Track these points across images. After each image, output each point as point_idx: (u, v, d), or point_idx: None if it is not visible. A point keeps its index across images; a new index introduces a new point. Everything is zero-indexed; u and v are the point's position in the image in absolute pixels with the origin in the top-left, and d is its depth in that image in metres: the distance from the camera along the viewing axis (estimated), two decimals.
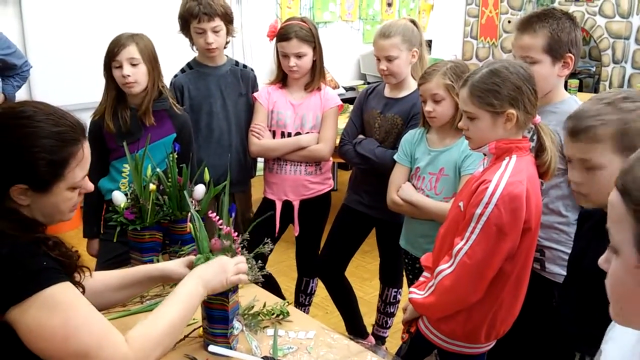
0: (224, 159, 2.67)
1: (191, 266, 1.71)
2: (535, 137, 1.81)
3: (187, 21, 2.66)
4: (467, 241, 1.68)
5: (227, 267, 1.57)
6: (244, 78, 2.83)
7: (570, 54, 1.97)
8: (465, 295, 1.71)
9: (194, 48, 2.76)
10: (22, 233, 1.29)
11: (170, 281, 1.81)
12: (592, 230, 1.56)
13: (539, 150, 1.76)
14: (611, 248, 0.86)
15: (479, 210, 1.66)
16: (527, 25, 1.99)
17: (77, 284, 1.41)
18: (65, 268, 1.33)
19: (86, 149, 1.41)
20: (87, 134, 1.43)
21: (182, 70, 2.81)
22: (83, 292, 1.43)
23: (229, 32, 2.74)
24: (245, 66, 2.90)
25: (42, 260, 1.27)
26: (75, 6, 4.46)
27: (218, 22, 2.64)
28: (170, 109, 2.45)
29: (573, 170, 1.49)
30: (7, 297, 1.23)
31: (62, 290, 1.27)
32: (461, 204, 1.76)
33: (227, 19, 2.70)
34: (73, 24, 4.42)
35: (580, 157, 1.44)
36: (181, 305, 1.44)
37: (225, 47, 2.78)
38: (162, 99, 2.44)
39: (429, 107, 2.19)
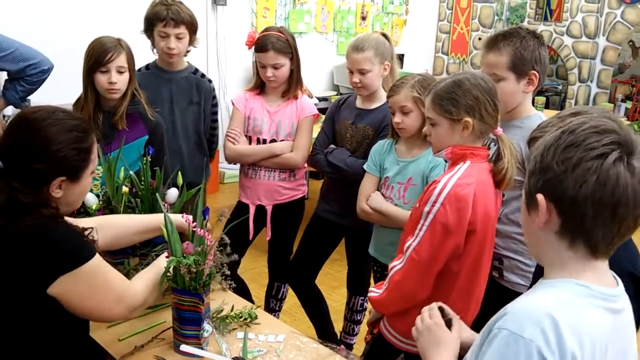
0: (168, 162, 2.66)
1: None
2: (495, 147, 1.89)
3: (153, 23, 2.71)
4: (416, 238, 1.76)
5: None
6: (198, 87, 2.87)
7: (534, 71, 2.04)
8: (412, 290, 1.78)
9: (154, 50, 2.81)
10: (61, 219, 1.51)
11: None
12: None
13: (496, 159, 1.84)
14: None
15: (427, 208, 1.74)
16: (492, 44, 2.08)
17: None
18: None
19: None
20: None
21: (139, 70, 2.82)
22: None
23: (191, 41, 2.80)
24: (203, 75, 2.94)
25: (82, 236, 1.51)
26: (50, 8, 4.44)
27: (183, 30, 2.71)
28: (143, 110, 2.48)
29: None
30: (60, 267, 1.43)
31: (98, 259, 1.53)
32: (417, 204, 1.84)
33: (192, 28, 2.76)
34: (49, 26, 4.40)
35: None
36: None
37: (185, 55, 2.84)
38: (135, 101, 2.47)
39: (397, 118, 2.26)
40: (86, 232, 1.54)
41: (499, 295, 2.00)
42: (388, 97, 2.32)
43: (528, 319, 1.01)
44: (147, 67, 2.86)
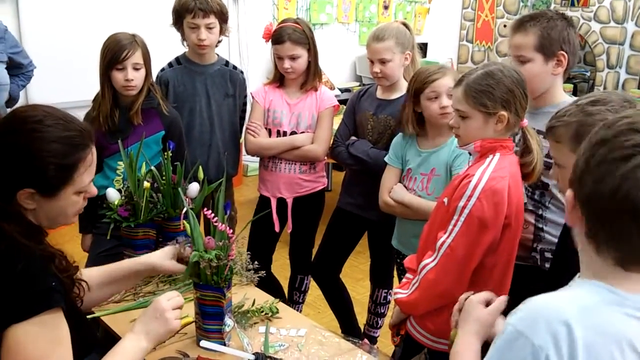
0: (202, 157, 2.68)
1: (177, 258, 1.72)
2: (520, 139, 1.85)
3: (181, 15, 2.67)
4: (450, 234, 1.72)
5: (163, 311, 1.47)
6: (232, 79, 2.85)
7: (562, 52, 1.98)
8: (449, 288, 1.73)
9: (185, 43, 2.78)
10: (31, 241, 1.29)
11: (155, 273, 1.80)
12: None
13: (525, 152, 1.80)
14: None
15: (461, 203, 1.70)
16: (519, 25, 2.03)
17: (77, 297, 1.45)
18: (66, 285, 1.35)
19: (93, 154, 1.41)
20: (93, 139, 1.42)
21: (170, 65, 2.81)
22: (81, 305, 1.48)
23: (222, 31, 2.75)
24: (235, 67, 2.92)
25: (51, 280, 1.28)
26: (72, 4, 4.47)
27: (212, 20, 2.66)
28: (158, 106, 2.47)
29: (554, 168, 1.54)
30: (12, 313, 1.22)
31: (58, 318, 1.27)
32: (446, 199, 1.80)
33: (222, 17, 2.71)
34: (70, 22, 4.43)
35: (553, 155, 1.51)
36: None
37: (217, 46, 2.80)
38: (150, 97, 2.46)
39: (445, 102, 2.19)
40: (64, 275, 1.34)
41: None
42: (433, 80, 2.22)
43: (542, 322, 0.93)
44: (178, 60, 2.82)
